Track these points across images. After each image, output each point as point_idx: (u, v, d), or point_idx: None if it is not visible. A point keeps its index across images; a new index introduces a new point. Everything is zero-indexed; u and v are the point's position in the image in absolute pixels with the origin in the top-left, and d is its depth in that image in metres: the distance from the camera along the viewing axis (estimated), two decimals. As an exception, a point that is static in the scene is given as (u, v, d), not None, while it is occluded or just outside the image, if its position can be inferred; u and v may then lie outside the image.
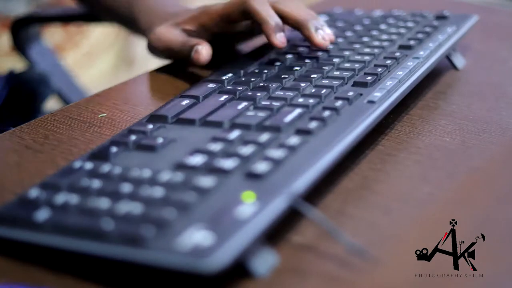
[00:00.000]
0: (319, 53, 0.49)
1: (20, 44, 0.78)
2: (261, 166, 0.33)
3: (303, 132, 0.36)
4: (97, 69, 1.52)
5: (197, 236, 0.28)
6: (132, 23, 0.58)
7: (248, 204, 0.30)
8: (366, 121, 0.39)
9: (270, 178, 0.32)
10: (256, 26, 0.48)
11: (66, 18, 0.84)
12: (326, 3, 0.71)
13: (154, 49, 0.52)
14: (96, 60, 1.53)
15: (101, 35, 1.51)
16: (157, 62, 0.56)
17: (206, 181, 0.32)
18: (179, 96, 0.44)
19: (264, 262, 0.30)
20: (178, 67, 0.55)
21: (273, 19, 0.46)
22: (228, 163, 0.33)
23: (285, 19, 0.47)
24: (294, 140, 0.35)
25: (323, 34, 0.47)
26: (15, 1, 1.27)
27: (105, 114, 0.41)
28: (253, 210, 0.30)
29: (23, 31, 0.77)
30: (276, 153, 0.34)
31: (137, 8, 0.56)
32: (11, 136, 0.43)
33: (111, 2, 0.61)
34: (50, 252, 0.31)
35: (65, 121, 0.45)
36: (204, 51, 0.48)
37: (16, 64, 0.79)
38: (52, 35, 1.41)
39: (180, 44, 0.50)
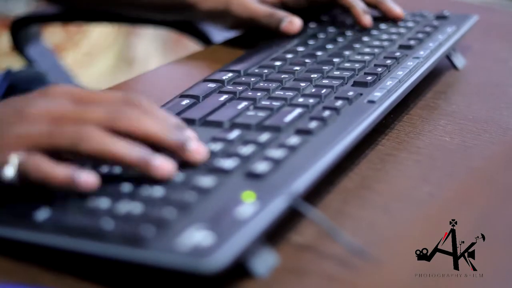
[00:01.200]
0: (319, 53, 0.49)
1: (20, 44, 0.78)
2: (261, 166, 0.33)
3: (303, 132, 0.36)
4: (97, 69, 1.52)
5: (197, 236, 0.28)
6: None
7: (248, 204, 0.30)
8: (366, 121, 0.39)
9: (270, 178, 0.32)
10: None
11: (66, 18, 0.84)
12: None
13: (234, 16, 0.55)
14: (96, 60, 1.53)
15: (101, 35, 1.51)
16: (157, 62, 0.56)
17: (206, 181, 0.32)
18: (179, 96, 0.44)
19: (264, 262, 0.30)
20: (178, 67, 0.56)
21: (359, 4, 0.54)
22: (228, 163, 0.33)
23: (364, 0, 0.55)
24: (294, 140, 0.35)
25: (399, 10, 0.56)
26: (15, 1, 1.27)
27: None
28: (253, 210, 0.30)
29: (22, 31, 0.77)
30: (276, 153, 0.34)
31: None
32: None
33: None
34: (50, 252, 0.30)
35: (65, 121, 0.45)
36: (298, 23, 0.54)
37: (16, 63, 0.79)
38: (52, 35, 1.41)
39: (268, 15, 0.54)
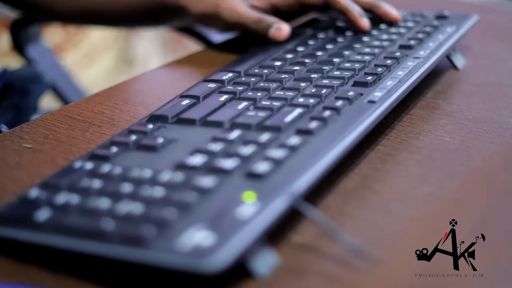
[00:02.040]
0: (319, 53, 0.49)
1: (20, 44, 0.78)
2: (261, 166, 0.33)
3: (304, 132, 0.36)
4: (97, 69, 1.52)
5: (197, 236, 0.28)
6: (150, 7, 0.58)
7: (248, 204, 0.30)
8: (366, 121, 0.39)
9: (270, 178, 0.32)
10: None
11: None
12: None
13: (225, 20, 0.54)
14: (96, 60, 1.53)
15: (101, 35, 1.51)
16: (157, 62, 0.56)
17: (206, 181, 0.32)
18: (179, 96, 0.44)
19: (265, 262, 0.30)
20: (178, 67, 0.56)
21: (355, 8, 0.53)
22: (228, 163, 0.33)
23: (360, 3, 0.55)
24: (294, 140, 0.35)
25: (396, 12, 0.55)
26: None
27: (30, 146, 0.41)
28: (253, 210, 0.30)
29: (22, 31, 0.77)
30: (277, 153, 0.34)
31: None
32: (11, 136, 0.43)
33: None
34: (50, 252, 0.30)
35: (65, 120, 0.45)
36: (287, 30, 0.53)
37: (16, 63, 0.79)
38: (52, 35, 1.41)
39: (256, 20, 0.53)
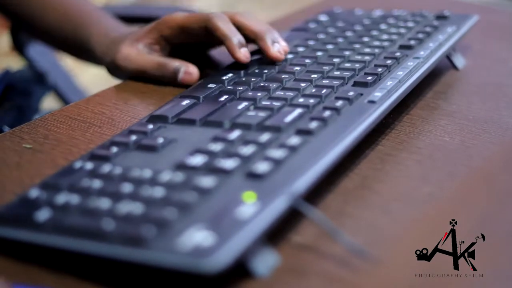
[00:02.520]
0: (319, 53, 0.49)
1: (20, 44, 0.78)
2: (261, 166, 0.33)
3: (304, 132, 0.36)
4: (96, 70, 1.52)
5: (198, 236, 0.28)
6: (80, 49, 0.56)
7: (248, 204, 0.30)
8: (366, 121, 0.39)
9: (270, 178, 0.32)
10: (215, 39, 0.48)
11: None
12: (326, 3, 0.71)
13: (123, 70, 0.51)
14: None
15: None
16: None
17: (206, 181, 0.32)
18: (179, 96, 0.44)
19: (265, 262, 0.30)
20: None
21: (235, 36, 0.47)
22: (228, 163, 0.33)
23: (243, 30, 0.48)
24: (294, 140, 0.35)
25: (278, 47, 0.47)
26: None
27: (30, 146, 0.41)
28: (254, 210, 0.30)
29: (22, 31, 0.77)
30: (277, 153, 0.34)
31: (87, 31, 0.55)
32: (11, 136, 0.43)
33: (49, 22, 0.59)
34: (51, 252, 0.30)
35: (65, 121, 0.45)
36: (195, 72, 0.48)
37: (16, 63, 0.79)
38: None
39: (156, 67, 0.50)
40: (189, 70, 0.48)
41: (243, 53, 0.47)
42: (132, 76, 0.52)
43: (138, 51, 0.50)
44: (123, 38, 0.52)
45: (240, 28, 0.48)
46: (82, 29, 0.56)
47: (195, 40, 0.51)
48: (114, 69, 0.52)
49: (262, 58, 0.49)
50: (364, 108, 0.40)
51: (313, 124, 0.37)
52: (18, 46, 0.77)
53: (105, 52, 0.53)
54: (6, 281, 0.30)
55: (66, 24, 0.58)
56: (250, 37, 0.48)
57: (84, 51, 0.57)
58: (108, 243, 0.29)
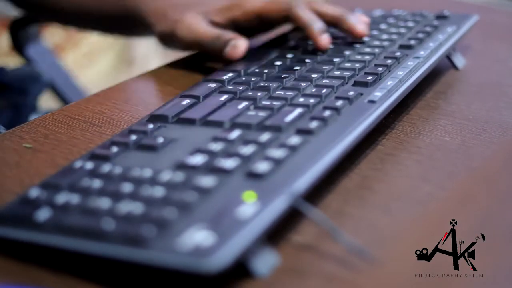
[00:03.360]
0: (319, 53, 0.49)
1: (20, 44, 0.78)
2: (262, 166, 0.33)
3: (304, 132, 0.36)
4: (97, 69, 1.52)
5: (198, 236, 0.28)
6: (123, 19, 0.55)
7: (249, 204, 0.30)
8: (367, 120, 0.39)
9: (271, 178, 0.32)
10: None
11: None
12: (326, 3, 0.71)
13: (181, 40, 0.50)
14: (96, 60, 1.53)
15: (101, 35, 1.51)
16: (157, 62, 0.56)
17: (207, 181, 0.32)
18: (179, 95, 0.44)
19: (265, 262, 0.30)
20: (178, 67, 0.55)
21: (316, 23, 0.48)
22: (229, 163, 0.33)
23: (324, 17, 0.50)
24: (295, 139, 0.35)
25: (361, 26, 0.50)
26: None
27: (30, 146, 0.41)
28: (254, 210, 0.30)
29: (22, 31, 0.77)
30: (277, 152, 0.34)
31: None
32: (11, 136, 0.43)
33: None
34: (51, 252, 0.30)
35: (65, 120, 0.45)
36: (243, 46, 0.48)
37: (16, 63, 0.79)
38: (52, 35, 1.41)
39: (213, 38, 0.49)
40: (237, 44, 0.48)
41: (325, 40, 0.48)
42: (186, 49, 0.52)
43: (201, 24, 0.50)
44: (186, 7, 0.50)
45: (320, 15, 0.50)
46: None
47: (268, 28, 0.52)
48: (170, 37, 0.51)
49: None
50: (364, 108, 0.40)
51: (313, 124, 0.37)
52: (18, 46, 0.77)
53: (160, 19, 0.52)
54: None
55: None
56: (330, 23, 0.50)
57: (129, 21, 0.55)
58: (108, 243, 0.29)
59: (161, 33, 0.52)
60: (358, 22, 0.50)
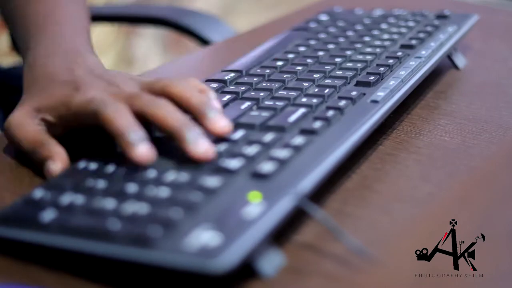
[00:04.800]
0: (321, 53, 0.50)
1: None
2: (266, 166, 0.33)
3: (308, 132, 0.36)
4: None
5: (204, 237, 0.28)
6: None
7: (254, 204, 0.30)
8: (370, 120, 0.39)
9: (276, 178, 0.32)
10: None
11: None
12: (326, 3, 0.71)
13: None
14: (96, 59, 1.52)
15: (101, 35, 1.50)
16: (157, 62, 0.56)
17: (212, 181, 0.32)
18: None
19: (271, 262, 0.30)
20: (178, 67, 0.56)
21: (130, 130, 0.34)
22: (233, 163, 0.33)
23: (178, 103, 0.36)
24: (299, 140, 0.35)
25: (219, 126, 0.36)
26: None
27: None
28: (260, 210, 0.30)
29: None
30: (281, 153, 0.34)
31: (34, 39, 0.44)
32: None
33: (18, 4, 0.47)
34: (53, 253, 0.30)
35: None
36: (56, 169, 0.36)
37: (16, 63, 0.79)
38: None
39: (31, 146, 0.38)
40: (50, 169, 0.36)
41: (141, 151, 0.33)
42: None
43: (29, 122, 0.39)
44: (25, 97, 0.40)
45: (175, 101, 0.36)
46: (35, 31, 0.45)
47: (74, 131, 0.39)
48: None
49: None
50: (367, 108, 0.40)
51: (317, 124, 0.37)
52: (18, 46, 0.77)
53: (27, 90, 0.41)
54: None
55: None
56: (188, 112, 0.36)
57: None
58: (114, 243, 0.29)
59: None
60: (218, 117, 0.36)
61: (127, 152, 0.34)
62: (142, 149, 0.34)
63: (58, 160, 0.37)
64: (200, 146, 0.34)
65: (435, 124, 0.45)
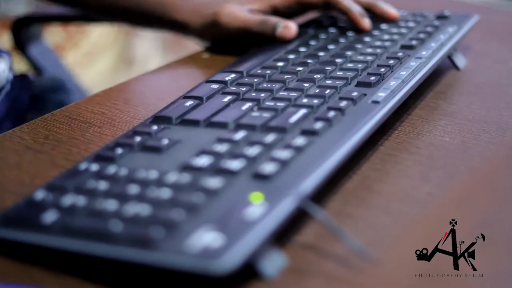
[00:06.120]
0: (321, 53, 0.50)
1: (21, 43, 0.78)
2: (268, 167, 0.33)
3: (309, 133, 0.36)
4: (97, 69, 1.52)
5: (206, 238, 0.28)
6: (151, 14, 0.57)
7: (256, 205, 0.30)
8: (371, 121, 0.39)
9: (277, 179, 0.32)
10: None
11: (66, 18, 0.84)
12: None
13: (225, 27, 0.54)
14: (96, 60, 1.53)
15: (101, 35, 1.51)
16: (157, 62, 0.56)
17: (213, 182, 0.32)
18: (182, 97, 0.44)
19: (273, 263, 0.30)
20: (178, 68, 0.56)
21: (355, 7, 0.54)
22: (235, 164, 0.33)
23: (358, 3, 0.55)
24: (300, 140, 0.35)
25: (393, 11, 0.56)
26: (15, 1, 1.27)
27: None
28: (261, 211, 0.30)
29: (23, 30, 0.77)
30: (283, 153, 0.34)
31: None
32: (11, 136, 0.43)
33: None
34: (55, 254, 0.30)
35: (65, 121, 0.45)
36: (294, 27, 0.52)
37: (17, 63, 0.79)
38: (52, 35, 1.41)
39: (260, 22, 0.53)
40: (288, 25, 0.52)
41: (367, 22, 0.54)
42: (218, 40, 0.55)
43: (242, 11, 0.54)
44: (220, 2, 0.55)
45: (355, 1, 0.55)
46: None
47: (303, 12, 0.57)
48: (211, 28, 0.55)
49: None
50: (368, 108, 0.40)
51: (318, 125, 0.37)
52: (19, 46, 0.77)
53: (196, 17, 0.55)
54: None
55: None
56: (364, 7, 0.55)
57: (157, 15, 0.58)
58: (116, 244, 0.29)
59: (200, 27, 0.55)
60: (389, 8, 0.55)
61: (358, 21, 0.53)
62: (367, 20, 0.54)
63: (288, 21, 0.52)
64: (366, 21, 0.54)
65: (435, 125, 0.46)
